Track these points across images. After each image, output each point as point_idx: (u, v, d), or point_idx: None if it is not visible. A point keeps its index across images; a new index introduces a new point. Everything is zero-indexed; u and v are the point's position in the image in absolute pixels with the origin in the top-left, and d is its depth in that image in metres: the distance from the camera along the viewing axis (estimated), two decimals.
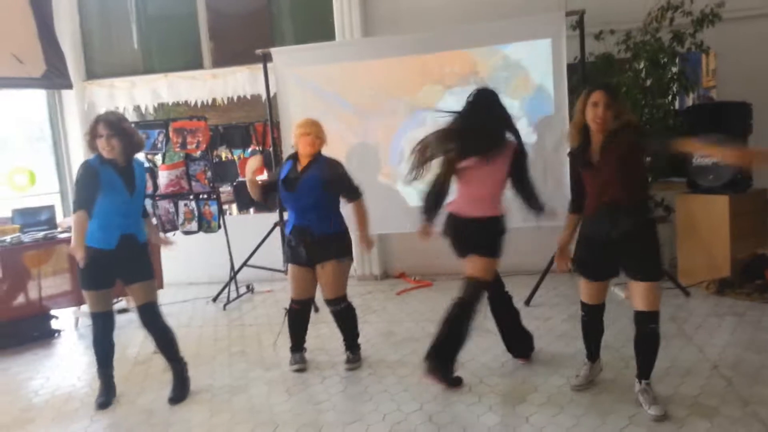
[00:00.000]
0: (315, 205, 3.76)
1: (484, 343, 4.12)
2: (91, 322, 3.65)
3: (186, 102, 6.64)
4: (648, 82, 5.18)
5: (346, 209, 3.92)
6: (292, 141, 3.92)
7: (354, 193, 3.86)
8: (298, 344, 4.04)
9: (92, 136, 3.39)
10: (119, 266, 3.52)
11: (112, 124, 3.38)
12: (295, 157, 3.89)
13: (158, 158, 6.05)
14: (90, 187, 3.36)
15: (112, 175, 3.42)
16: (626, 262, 3.08)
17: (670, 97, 5.29)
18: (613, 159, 2.97)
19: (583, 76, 5.06)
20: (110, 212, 3.43)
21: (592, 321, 3.35)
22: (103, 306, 3.60)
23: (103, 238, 3.44)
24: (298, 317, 3.99)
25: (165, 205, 5.91)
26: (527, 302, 4.88)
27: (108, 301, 3.64)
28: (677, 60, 5.22)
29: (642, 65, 5.20)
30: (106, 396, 3.68)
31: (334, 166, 3.83)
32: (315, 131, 3.79)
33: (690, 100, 5.63)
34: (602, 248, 3.11)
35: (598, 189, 3.07)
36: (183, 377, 3.73)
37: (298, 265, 3.86)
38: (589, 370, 3.41)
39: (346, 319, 3.97)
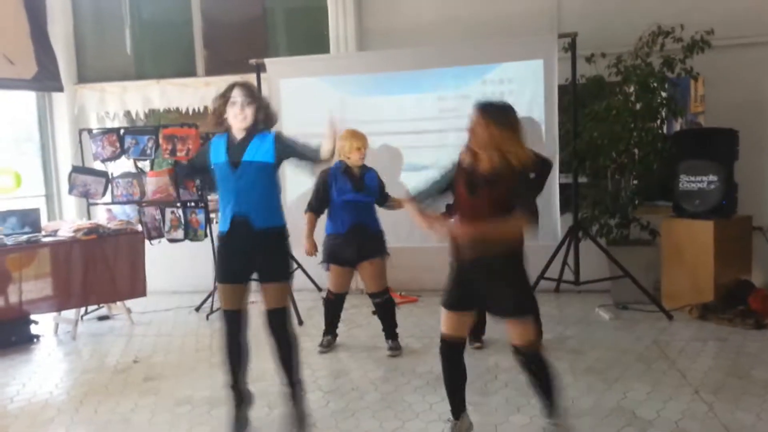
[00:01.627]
0: (371, 207, 4.35)
1: (467, 361, 4.10)
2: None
3: (177, 109, 6.62)
4: (638, 106, 5.23)
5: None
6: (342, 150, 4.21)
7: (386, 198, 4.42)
8: (329, 329, 4.56)
9: (224, 100, 3.08)
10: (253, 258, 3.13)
11: (250, 91, 3.10)
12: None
13: (146, 164, 6.01)
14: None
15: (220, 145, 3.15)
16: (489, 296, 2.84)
17: (658, 122, 5.35)
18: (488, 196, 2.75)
19: (574, 98, 5.11)
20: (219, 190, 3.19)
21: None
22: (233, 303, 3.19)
23: (222, 220, 3.16)
24: (334, 306, 4.51)
25: (151, 212, 5.86)
26: None
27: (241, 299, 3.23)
28: (667, 85, 5.29)
29: (632, 89, 5.26)
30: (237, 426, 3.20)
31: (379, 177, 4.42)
32: (366, 144, 4.29)
33: (678, 125, 5.69)
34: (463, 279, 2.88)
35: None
36: (301, 401, 3.23)
37: (341, 265, 4.34)
38: (453, 429, 2.97)
39: (387, 309, 4.43)
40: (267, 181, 3.14)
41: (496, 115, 2.74)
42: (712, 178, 5.02)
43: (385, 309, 4.45)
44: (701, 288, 5.01)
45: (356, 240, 4.27)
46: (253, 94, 3.11)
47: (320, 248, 4.41)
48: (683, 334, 4.58)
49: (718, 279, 4.98)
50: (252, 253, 3.12)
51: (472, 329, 4.33)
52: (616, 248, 5.32)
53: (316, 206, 4.35)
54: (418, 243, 5.02)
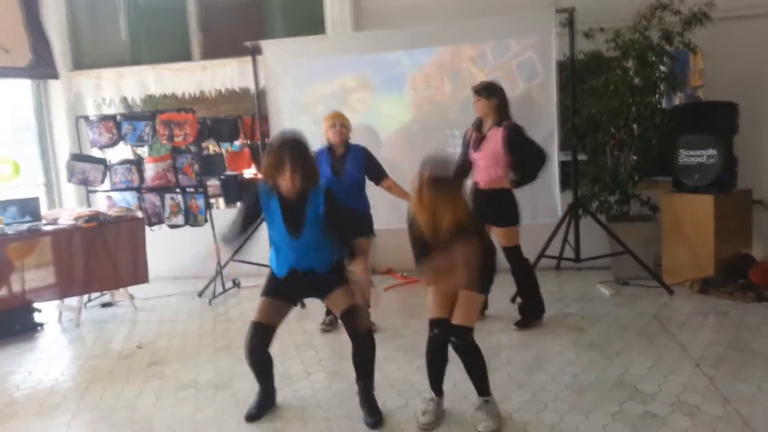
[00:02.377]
0: (357, 189, 4.32)
1: None
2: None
3: (174, 94, 6.58)
4: (636, 81, 5.20)
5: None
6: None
7: (383, 173, 4.39)
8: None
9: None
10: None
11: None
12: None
13: (144, 150, 6.00)
14: None
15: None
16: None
17: (657, 96, 5.32)
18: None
19: (572, 74, 5.07)
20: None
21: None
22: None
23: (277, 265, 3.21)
24: None
25: (151, 198, 5.86)
26: (513, 299, 4.89)
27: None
28: (665, 59, 5.24)
29: (630, 63, 5.22)
30: (259, 407, 3.29)
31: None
32: (340, 121, 4.27)
33: (677, 99, 5.66)
34: None
35: None
36: (372, 396, 3.22)
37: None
38: (437, 406, 3.13)
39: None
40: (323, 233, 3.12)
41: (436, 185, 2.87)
42: (712, 152, 5.00)
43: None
44: (702, 262, 5.02)
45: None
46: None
47: None
48: (684, 308, 4.59)
49: (719, 253, 4.98)
50: (312, 287, 3.19)
51: None
52: (616, 224, 5.32)
53: None
54: None
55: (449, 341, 3.02)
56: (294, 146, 3.02)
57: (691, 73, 5.68)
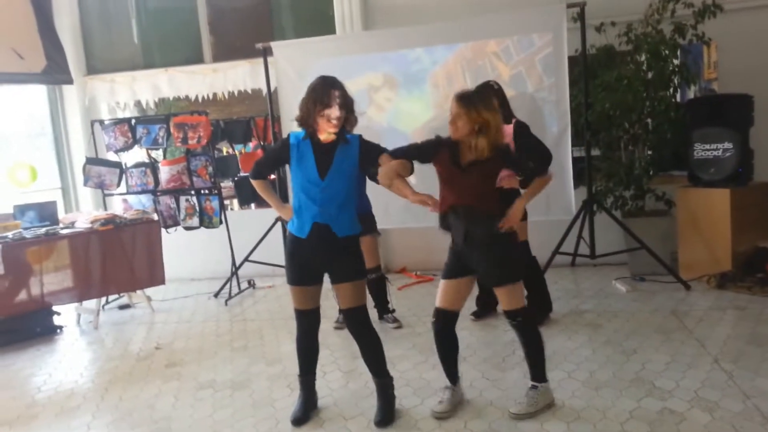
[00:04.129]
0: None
1: (486, 336, 4.13)
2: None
3: (187, 97, 6.63)
4: (649, 75, 5.16)
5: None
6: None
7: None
8: None
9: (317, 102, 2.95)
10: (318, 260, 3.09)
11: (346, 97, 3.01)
12: None
13: (159, 154, 6.05)
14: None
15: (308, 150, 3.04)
16: (477, 267, 3.04)
17: (671, 90, 5.28)
18: (477, 173, 2.96)
19: (584, 69, 5.05)
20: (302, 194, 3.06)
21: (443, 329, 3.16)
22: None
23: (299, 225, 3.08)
24: None
25: (166, 200, 5.92)
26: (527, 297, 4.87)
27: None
28: (678, 52, 5.20)
29: (643, 57, 5.18)
30: (304, 410, 3.26)
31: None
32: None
33: (692, 93, 5.61)
34: (457, 250, 3.08)
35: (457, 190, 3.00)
36: (387, 394, 3.20)
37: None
38: (452, 395, 3.20)
39: (380, 286, 4.50)
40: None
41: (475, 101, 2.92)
42: (728, 145, 4.95)
43: (377, 285, 4.51)
44: (719, 257, 4.97)
45: None
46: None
47: None
48: (701, 303, 4.56)
49: (736, 247, 4.93)
50: (329, 253, 3.08)
51: (479, 304, 4.46)
52: (631, 220, 5.29)
53: None
54: (433, 223, 5.02)
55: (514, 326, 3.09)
56: (335, 81, 3.02)
57: (705, 65, 5.63)
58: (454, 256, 3.10)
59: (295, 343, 3.26)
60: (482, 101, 2.93)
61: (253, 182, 3.20)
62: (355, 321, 3.13)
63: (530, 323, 3.10)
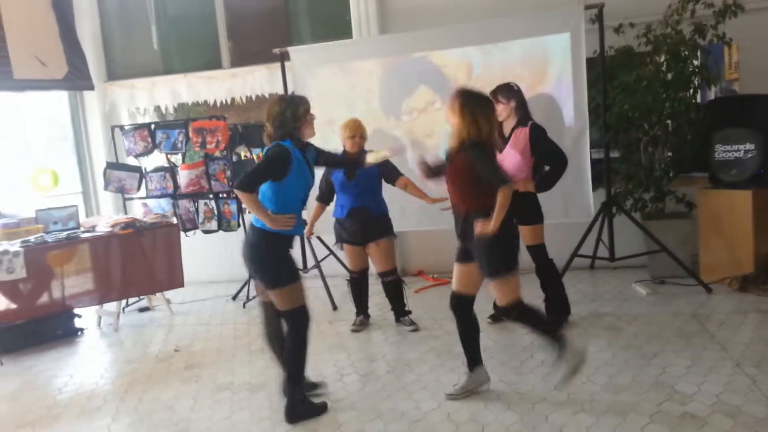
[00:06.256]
0: (371, 190, 4.44)
1: (504, 340, 4.11)
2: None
3: (205, 102, 6.69)
4: (669, 76, 5.10)
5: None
6: (340, 141, 4.44)
7: (396, 172, 4.42)
8: (359, 308, 4.74)
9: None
10: None
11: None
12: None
13: (178, 158, 6.11)
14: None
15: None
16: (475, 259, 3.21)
17: (691, 91, 5.21)
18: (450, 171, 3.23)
19: (602, 70, 5.01)
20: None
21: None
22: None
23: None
24: (356, 283, 4.68)
25: (185, 204, 5.97)
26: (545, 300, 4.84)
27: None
28: (699, 53, 5.14)
29: (663, 58, 5.13)
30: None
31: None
32: (360, 133, 4.37)
33: (712, 93, 5.53)
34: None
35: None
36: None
37: (351, 244, 4.53)
38: (468, 380, 3.36)
39: (396, 288, 4.59)
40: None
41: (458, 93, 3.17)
42: (749, 146, 4.88)
43: (394, 287, 4.58)
44: (740, 259, 4.90)
45: (357, 223, 4.43)
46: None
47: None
48: (723, 307, 4.49)
49: (758, 249, 4.86)
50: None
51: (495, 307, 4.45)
52: (651, 222, 5.23)
53: (320, 195, 4.61)
54: (448, 225, 5.00)
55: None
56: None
57: (726, 66, 5.56)
58: (461, 243, 3.30)
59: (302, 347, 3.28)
60: (463, 100, 3.12)
61: (243, 194, 3.08)
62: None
63: (524, 313, 3.18)
